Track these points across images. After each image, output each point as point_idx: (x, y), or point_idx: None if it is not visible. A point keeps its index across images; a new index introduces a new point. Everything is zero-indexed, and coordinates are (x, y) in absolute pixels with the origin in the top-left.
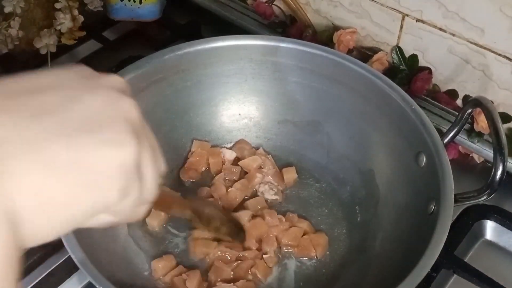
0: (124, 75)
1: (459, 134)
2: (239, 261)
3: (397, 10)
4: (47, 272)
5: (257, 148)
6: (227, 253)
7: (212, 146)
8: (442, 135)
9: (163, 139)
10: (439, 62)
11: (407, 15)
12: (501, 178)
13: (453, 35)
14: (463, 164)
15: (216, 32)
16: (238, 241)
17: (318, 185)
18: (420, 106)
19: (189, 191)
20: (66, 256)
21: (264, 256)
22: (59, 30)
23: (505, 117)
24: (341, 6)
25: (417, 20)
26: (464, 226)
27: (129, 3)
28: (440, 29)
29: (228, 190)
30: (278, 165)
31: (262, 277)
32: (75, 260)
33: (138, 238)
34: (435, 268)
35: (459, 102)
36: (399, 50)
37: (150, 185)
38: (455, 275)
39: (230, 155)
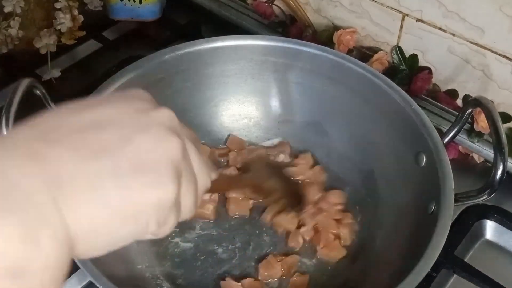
0: (124, 75)
1: (459, 134)
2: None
3: (397, 10)
4: None
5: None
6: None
7: (211, 147)
8: (442, 135)
9: None
10: (439, 62)
11: (407, 15)
12: (501, 177)
13: (453, 35)
14: (463, 164)
15: (216, 32)
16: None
17: None
18: (420, 106)
19: None
20: None
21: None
22: (59, 30)
23: (505, 117)
24: (341, 6)
25: (417, 20)
26: (464, 226)
27: (129, 3)
28: (440, 29)
29: None
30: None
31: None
32: (75, 259)
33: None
34: (435, 268)
35: (459, 102)
36: (399, 50)
37: (189, 210)
38: (455, 275)
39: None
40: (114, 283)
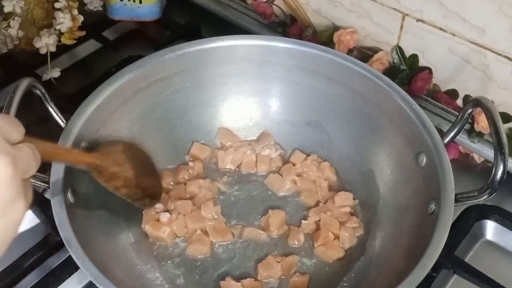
0: (124, 75)
1: (459, 134)
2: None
3: (397, 10)
4: (47, 272)
5: None
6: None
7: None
8: (443, 135)
9: (163, 139)
10: (440, 62)
11: (407, 15)
12: (501, 178)
13: (454, 35)
14: (464, 164)
15: (216, 32)
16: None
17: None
18: (420, 106)
19: None
20: (66, 256)
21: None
22: (59, 29)
23: (505, 117)
24: (341, 6)
25: (418, 20)
26: (464, 226)
27: (129, 3)
28: (441, 29)
29: None
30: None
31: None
32: (75, 259)
33: (138, 238)
34: (436, 268)
35: (459, 102)
36: (399, 50)
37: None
38: (455, 275)
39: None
40: (114, 283)
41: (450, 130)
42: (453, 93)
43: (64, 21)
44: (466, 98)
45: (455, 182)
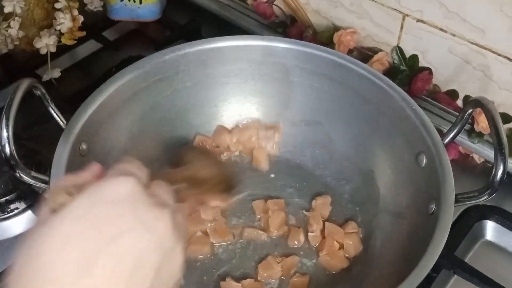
0: (124, 76)
1: (459, 135)
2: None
3: (398, 10)
4: None
5: None
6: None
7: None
8: (443, 135)
9: (163, 139)
10: (440, 62)
11: (408, 15)
12: (501, 178)
13: (454, 35)
14: (464, 164)
15: (216, 32)
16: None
17: (318, 185)
18: (421, 107)
19: None
20: None
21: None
22: (59, 30)
23: (505, 118)
24: (341, 6)
25: (418, 20)
26: (464, 227)
27: (129, 3)
28: (441, 29)
29: None
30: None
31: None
32: None
33: None
34: (436, 268)
35: (459, 102)
36: (399, 50)
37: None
38: (455, 275)
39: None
40: None
41: (450, 130)
42: (453, 94)
43: (64, 22)
44: (466, 98)
45: (455, 183)
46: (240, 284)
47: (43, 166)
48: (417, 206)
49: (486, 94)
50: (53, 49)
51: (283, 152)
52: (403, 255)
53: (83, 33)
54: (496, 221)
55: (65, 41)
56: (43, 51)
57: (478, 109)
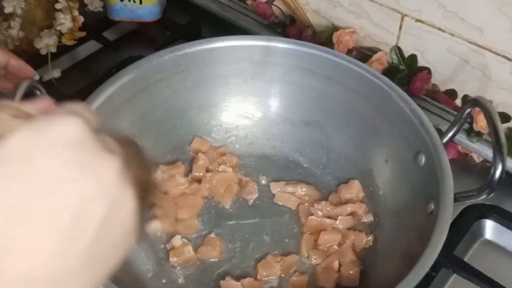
0: (124, 76)
1: (458, 134)
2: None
3: (396, 10)
4: None
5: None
6: None
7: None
8: (441, 134)
9: (163, 139)
10: (439, 62)
11: (406, 15)
12: (500, 177)
13: (453, 35)
14: (463, 163)
15: (216, 32)
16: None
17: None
18: (420, 106)
19: None
20: None
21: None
22: (59, 30)
23: (504, 117)
24: (340, 6)
25: (416, 20)
26: (463, 226)
27: (129, 4)
28: (439, 29)
29: None
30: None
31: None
32: None
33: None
34: (435, 267)
35: (458, 102)
36: (398, 50)
37: None
38: (454, 274)
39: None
40: (115, 283)
41: (449, 129)
42: (452, 93)
43: (65, 22)
44: (465, 98)
45: (454, 182)
46: (240, 283)
47: None
48: (416, 205)
49: (485, 93)
50: (53, 49)
51: (282, 153)
52: (402, 254)
53: (83, 34)
54: (495, 220)
55: (65, 41)
56: (43, 52)
57: (477, 109)
